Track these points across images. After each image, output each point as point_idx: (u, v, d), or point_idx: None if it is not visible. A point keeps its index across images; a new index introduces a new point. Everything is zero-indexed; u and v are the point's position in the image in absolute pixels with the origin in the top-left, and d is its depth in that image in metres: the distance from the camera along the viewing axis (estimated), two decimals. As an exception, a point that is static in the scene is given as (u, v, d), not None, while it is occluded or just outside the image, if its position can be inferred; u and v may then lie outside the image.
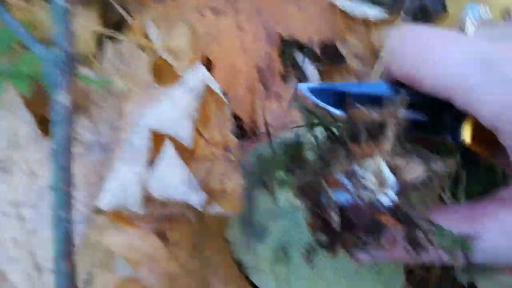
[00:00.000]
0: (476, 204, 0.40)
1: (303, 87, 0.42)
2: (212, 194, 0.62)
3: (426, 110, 0.40)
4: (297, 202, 0.65)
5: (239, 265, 0.71)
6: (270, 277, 0.69)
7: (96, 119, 0.74)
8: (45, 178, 0.73)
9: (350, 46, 0.83)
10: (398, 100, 0.37)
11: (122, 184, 0.60)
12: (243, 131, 0.77)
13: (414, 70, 0.38)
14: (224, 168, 0.66)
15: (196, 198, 0.60)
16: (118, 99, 0.74)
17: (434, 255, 0.37)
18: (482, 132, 0.36)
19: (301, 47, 0.90)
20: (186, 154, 0.65)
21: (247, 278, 0.71)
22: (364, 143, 0.36)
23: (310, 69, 0.86)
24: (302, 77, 0.87)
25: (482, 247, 0.36)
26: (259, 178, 0.71)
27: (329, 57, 0.90)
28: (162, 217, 0.63)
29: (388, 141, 0.36)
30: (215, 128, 0.68)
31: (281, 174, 0.50)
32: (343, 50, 0.83)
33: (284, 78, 0.85)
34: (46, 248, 0.71)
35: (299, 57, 0.87)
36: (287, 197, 0.68)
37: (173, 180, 0.60)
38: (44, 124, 0.74)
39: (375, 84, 0.41)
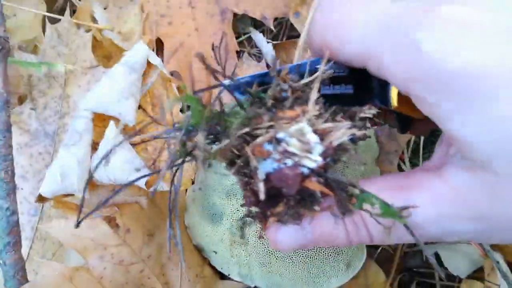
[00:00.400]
0: (407, 175, 0.38)
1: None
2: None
3: (354, 81, 0.38)
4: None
5: (200, 251, 0.70)
6: (231, 261, 0.68)
7: (41, 107, 0.72)
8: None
9: (303, 19, 0.82)
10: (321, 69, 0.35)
11: (64, 170, 0.58)
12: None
13: (324, 40, 0.36)
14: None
15: (140, 179, 0.58)
16: (62, 84, 0.71)
17: (362, 232, 0.36)
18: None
19: (255, 23, 0.88)
20: (133, 131, 0.63)
21: (209, 263, 0.70)
22: (287, 109, 0.34)
23: (265, 45, 0.84)
24: (258, 54, 0.85)
25: (415, 221, 0.35)
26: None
27: (283, 31, 0.88)
28: (111, 203, 0.62)
29: (312, 105, 0.34)
30: (162, 95, 0.66)
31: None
32: (297, 24, 0.82)
33: (239, 55, 0.83)
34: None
35: (254, 34, 0.85)
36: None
37: (117, 161, 0.58)
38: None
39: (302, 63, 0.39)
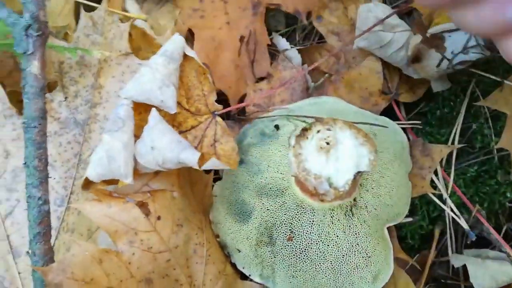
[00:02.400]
0: None
1: None
2: (205, 158, 0.61)
3: None
4: (285, 183, 0.63)
5: (223, 247, 0.69)
6: (254, 261, 0.67)
7: (72, 95, 0.71)
8: (21, 159, 0.69)
9: (327, 23, 0.81)
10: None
11: (110, 153, 0.58)
12: (227, 106, 0.74)
13: None
14: (214, 133, 0.64)
15: (190, 156, 0.58)
16: (95, 73, 0.71)
17: None
18: None
19: (287, 21, 0.87)
20: (171, 125, 0.63)
21: (230, 260, 0.70)
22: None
23: (290, 50, 0.82)
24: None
25: None
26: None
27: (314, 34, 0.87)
28: (144, 191, 0.61)
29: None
30: (199, 99, 0.66)
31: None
32: (320, 28, 0.81)
33: (274, 57, 0.82)
34: (22, 231, 0.68)
35: (277, 39, 0.84)
36: (273, 176, 0.66)
37: (163, 143, 0.58)
38: (19, 102, 0.71)
39: None
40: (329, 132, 0.55)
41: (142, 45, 0.77)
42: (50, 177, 0.63)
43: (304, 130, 0.56)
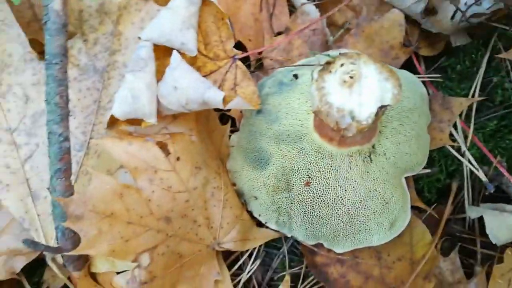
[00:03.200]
0: None
1: None
2: (226, 101, 0.61)
3: None
4: (303, 130, 0.63)
5: (239, 195, 0.70)
6: (271, 208, 0.67)
7: (91, 42, 0.71)
8: (41, 104, 0.70)
9: None
10: None
11: (134, 92, 0.58)
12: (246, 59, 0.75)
13: None
14: (234, 77, 0.64)
15: (215, 95, 0.58)
16: (114, 20, 0.71)
17: None
18: None
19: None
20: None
21: (246, 208, 0.70)
22: None
23: (309, 5, 0.81)
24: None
25: None
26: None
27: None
28: (164, 132, 0.62)
29: None
30: (216, 44, 0.66)
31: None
32: None
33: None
34: (41, 175, 0.69)
35: None
36: (291, 123, 0.66)
37: (187, 83, 0.58)
38: (39, 47, 0.72)
39: None
40: (353, 66, 0.54)
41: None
42: (71, 114, 0.63)
43: (328, 63, 0.55)
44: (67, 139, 0.61)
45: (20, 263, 0.69)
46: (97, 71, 0.71)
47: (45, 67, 0.60)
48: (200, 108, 0.61)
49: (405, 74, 0.73)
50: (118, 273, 0.64)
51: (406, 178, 0.67)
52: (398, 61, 0.75)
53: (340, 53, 0.55)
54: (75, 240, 0.64)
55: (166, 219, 0.60)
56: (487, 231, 0.67)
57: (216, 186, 0.65)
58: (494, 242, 0.67)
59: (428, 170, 0.71)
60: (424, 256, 0.68)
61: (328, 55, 0.66)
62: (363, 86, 0.53)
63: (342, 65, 0.54)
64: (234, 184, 0.70)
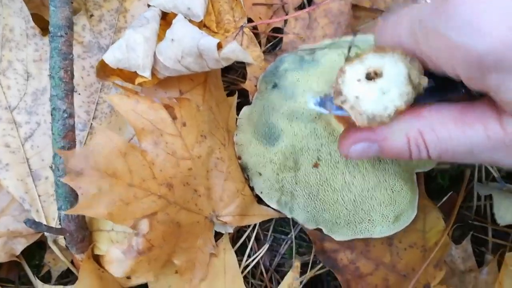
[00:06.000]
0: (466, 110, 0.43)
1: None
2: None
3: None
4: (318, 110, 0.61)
5: (244, 169, 0.68)
6: (274, 186, 0.65)
7: (96, 19, 0.69)
8: (42, 81, 0.68)
9: None
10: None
11: (130, 43, 0.56)
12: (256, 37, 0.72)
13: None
14: (240, 43, 0.62)
15: (210, 41, 0.54)
16: (120, -4, 0.69)
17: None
18: None
19: None
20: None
21: (249, 183, 0.69)
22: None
23: None
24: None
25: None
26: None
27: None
28: (171, 96, 0.59)
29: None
30: (229, 23, 0.64)
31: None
32: None
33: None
34: (41, 154, 0.67)
35: None
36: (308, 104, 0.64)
37: (183, 33, 0.55)
38: (42, 23, 0.69)
39: None
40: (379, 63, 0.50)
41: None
42: (76, 91, 0.61)
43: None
44: (71, 115, 0.58)
45: (20, 245, 0.67)
46: (101, 49, 0.69)
47: (50, 40, 0.57)
48: (197, 66, 0.58)
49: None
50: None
51: (417, 173, 0.65)
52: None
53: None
54: (79, 221, 0.62)
55: (168, 185, 0.58)
56: (494, 211, 0.67)
57: (220, 157, 0.64)
58: (498, 222, 0.67)
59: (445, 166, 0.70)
60: (436, 244, 0.66)
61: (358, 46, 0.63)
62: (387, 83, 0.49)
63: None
64: (239, 158, 0.69)
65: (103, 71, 0.59)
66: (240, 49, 0.53)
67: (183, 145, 0.59)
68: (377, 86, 0.45)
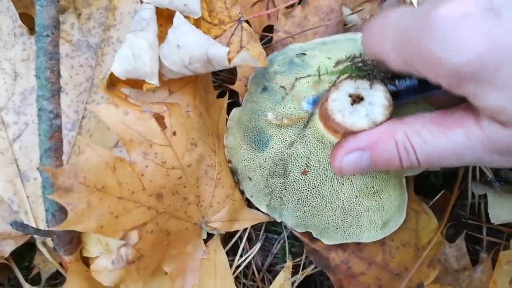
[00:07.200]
0: (445, 115, 0.47)
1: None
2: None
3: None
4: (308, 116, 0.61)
5: (234, 173, 0.68)
6: (264, 191, 0.65)
7: (85, 17, 0.68)
8: (31, 81, 0.67)
9: None
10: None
11: (135, 51, 0.56)
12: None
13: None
14: (240, 39, 0.61)
15: (219, 50, 0.55)
16: (109, -6, 0.68)
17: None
18: None
19: None
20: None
21: (239, 187, 0.68)
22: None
23: None
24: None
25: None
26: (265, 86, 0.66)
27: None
28: (161, 101, 0.58)
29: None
30: (221, 11, 0.63)
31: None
32: None
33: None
34: (30, 155, 0.66)
35: None
36: (297, 107, 0.63)
37: (190, 40, 0.55)
38: (30, 22, 0.68)
39: None
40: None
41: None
42: (63, 92, 0.60)
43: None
44: (58, 116, 0.58)
45: (9, 247, 0.67)
46: (90, 47, 0.68)
47: (36, 40, 0.57)
48: (204, 69, 0.58)
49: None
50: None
51: (406, 177, 0.65)
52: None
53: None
54: (67, 222, 0.61)
55: (157, 196, 0.57)
56: (489, 209, 0.67)
57: (210, 164, 0.63)
58: (492, 221, 0.67)
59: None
60: (429, 242, 0.66)
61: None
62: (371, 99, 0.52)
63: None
64: (229, 161, 0.68)
65: (111, 83, 0.59)
66: (250, 57, 0.54)
67: (173, 154, 0.58)
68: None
